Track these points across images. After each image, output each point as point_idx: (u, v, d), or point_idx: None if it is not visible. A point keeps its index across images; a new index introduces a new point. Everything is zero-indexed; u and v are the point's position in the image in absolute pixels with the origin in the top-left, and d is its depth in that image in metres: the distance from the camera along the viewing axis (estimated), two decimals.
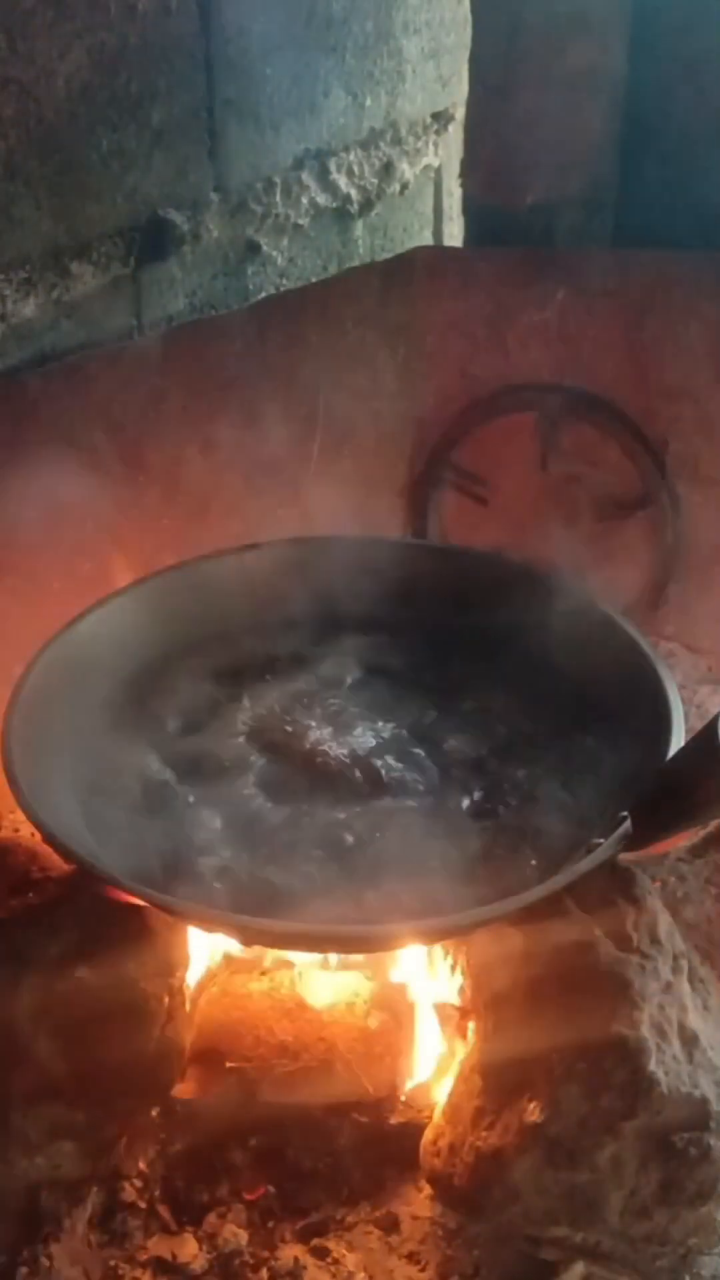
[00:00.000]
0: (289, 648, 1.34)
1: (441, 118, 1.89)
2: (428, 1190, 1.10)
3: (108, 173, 1.40)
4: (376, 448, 1.65)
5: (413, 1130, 1.12)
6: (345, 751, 1.21)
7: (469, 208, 1.69)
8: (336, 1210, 1.11)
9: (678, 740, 1.12)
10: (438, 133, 1.89)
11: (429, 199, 1.96)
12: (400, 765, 1.20)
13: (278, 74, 1.57)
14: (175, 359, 1.47)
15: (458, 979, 1.13)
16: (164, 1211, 1.10)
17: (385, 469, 1.67)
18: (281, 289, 1.69)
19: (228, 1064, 1.17)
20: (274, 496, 1.54)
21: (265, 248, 1.65)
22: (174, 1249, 1.07)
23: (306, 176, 1.68)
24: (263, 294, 1.67)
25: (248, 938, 1.10)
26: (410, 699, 1.27)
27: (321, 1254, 1.07)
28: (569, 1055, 1.00)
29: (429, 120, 1.87)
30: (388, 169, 1.81)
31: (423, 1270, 1.07)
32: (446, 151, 1.92)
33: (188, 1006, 1.13)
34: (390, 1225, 1.10)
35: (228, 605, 1.37)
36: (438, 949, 1.16)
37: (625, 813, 1.04)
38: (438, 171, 1.94)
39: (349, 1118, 1.15)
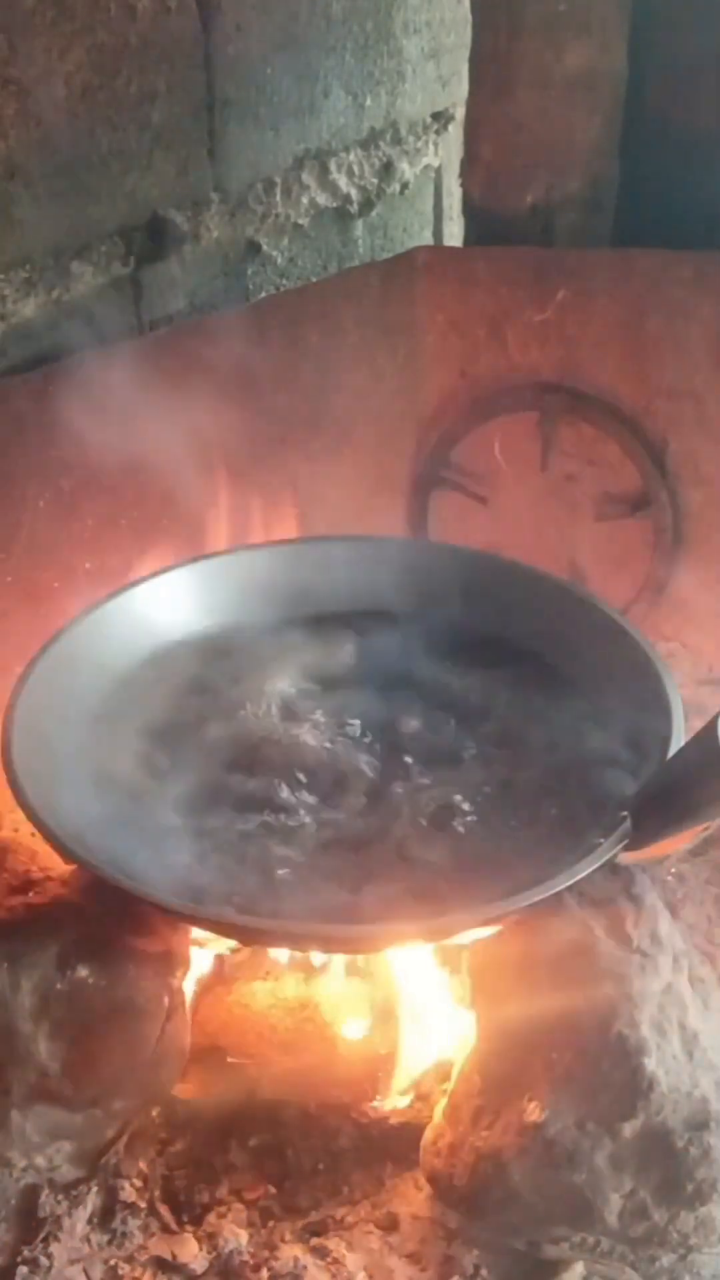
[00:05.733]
0: (290, 646, 1.34)
1: (441, 118, 1.89)
2: (428, 1190, 1.10)
3: (108, 173, 1.40)
4: (376, 448, 1.65)
5: (413, 1130, 1.12)
6: (346, 751, 1.21)
7: (469, 208, 1.69)
8: (336, 1210, 1.11)
9: (678, 740, 1.12)
10: (438, 133, 1.90)
11: (429, 199, 1.96)
12: (399, 764, 1.20)
13: (278, 74, 1.57)
14: (175, 358, 1.47)
15: (458, 979, 1.13)
16: (164, 1211, 1.10)
17: (385, 469, 1.67)
18: (281, 289, 1.69)
19: (229, 1059, 1.18)
20: (274, 496, 1.54)
21: (265, 248, 1.66)
22: (174, 1249, 1.07)
23: (306, 176, 1.68)
24: (263, 294, 1.67)
25: (247, 937, 1.10)
26: (408, 698, 1.27)
27: (321, 1254, 1.07)
28: (568, 1055, 1.00)
29: (429, 120, 1.88)
30: (388, 169, 1.81)
31: (423, 1270, 1.07)
32: (446, 151, 1.92)
33: (188, 1006, 1.13)
34: (390, 1225, 1.10)
35: (228, 604, 1.38)
36: (439, 948, 1.16)
37: (625, 813, 1.04)
38: (438, 171, 1.94)
39: (349, 1118, 1.15)
